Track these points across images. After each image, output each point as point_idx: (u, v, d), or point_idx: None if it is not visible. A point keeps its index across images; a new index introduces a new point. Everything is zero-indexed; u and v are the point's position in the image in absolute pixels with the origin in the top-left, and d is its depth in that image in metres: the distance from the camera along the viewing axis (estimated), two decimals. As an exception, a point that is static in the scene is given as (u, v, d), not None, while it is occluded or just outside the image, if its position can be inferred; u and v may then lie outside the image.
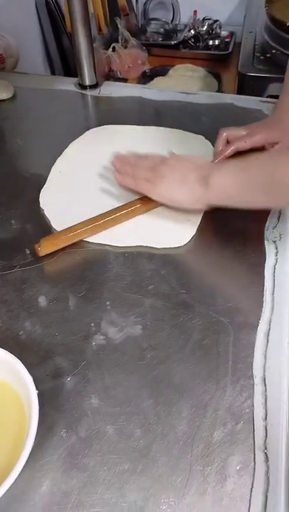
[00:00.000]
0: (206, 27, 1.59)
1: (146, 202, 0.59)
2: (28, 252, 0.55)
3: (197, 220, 0.58)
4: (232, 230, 0.58)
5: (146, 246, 0.56)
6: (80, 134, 0.76)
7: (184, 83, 1.38)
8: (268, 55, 1.13)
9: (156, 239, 0.56)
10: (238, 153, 0.63)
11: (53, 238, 0.56)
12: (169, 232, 0.57)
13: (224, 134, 0.65)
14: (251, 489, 0.36)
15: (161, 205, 0.59)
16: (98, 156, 0.70)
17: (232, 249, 0.56)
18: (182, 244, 0.56)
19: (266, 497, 0.36)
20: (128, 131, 0.76)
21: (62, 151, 0.72)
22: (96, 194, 0.64)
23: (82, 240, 0.56)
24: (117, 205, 0.61)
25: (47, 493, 0.36)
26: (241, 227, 0.58)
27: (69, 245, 0.56)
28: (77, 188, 0.65)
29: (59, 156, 0.71)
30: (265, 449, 0.38)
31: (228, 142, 0.65)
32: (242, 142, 0.63)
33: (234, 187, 0.52)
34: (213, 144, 0.71)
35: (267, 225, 0.58)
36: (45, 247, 0.54)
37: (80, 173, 0.67)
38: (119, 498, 0.36)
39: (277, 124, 0.65)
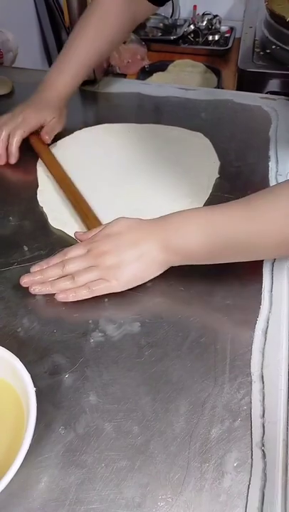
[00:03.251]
0: (205, 22, 1.58)
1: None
2: (25, 248, 0.55)
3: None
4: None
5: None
6: (78, 130, 0.75)
7: (184, 79, 1.37)
8: (268, 51, 1.13)
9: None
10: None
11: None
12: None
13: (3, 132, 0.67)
14: (248, 486, 0.36)
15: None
16: (90, 154, 0.70)
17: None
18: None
19: (263, 493, 0.36)
20: (124, 129, 0.76)
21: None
22: (93, 194, 0.63)
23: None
24: (116, 201, 0.61)
25: (45, 489, 0.36)
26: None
27: (67, 241, 0.56)
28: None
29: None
30: (263, 446, 0.38)
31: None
32: (21, 131, 0.66)
33: (201, 246, 0.47)
34: (211, 141, 0.71)
35: (265, 222, 0.58)
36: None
37: (73, 175, 0.66)
38: (117, 495, 0.36)
39: (44, 103, 0.68)
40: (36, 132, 0.69)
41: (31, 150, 0.71)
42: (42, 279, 0.49)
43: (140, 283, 0.49)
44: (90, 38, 0.69)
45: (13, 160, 0.67)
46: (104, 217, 0.59)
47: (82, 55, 0.69)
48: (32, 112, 0.68)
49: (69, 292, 0.48)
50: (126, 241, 0.48)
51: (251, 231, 0.44)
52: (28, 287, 0.50)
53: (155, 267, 0.49)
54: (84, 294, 0.48)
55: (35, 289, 0.49)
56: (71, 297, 0.48)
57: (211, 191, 0.62)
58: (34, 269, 0.50)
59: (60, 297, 0.48)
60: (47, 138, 0.69)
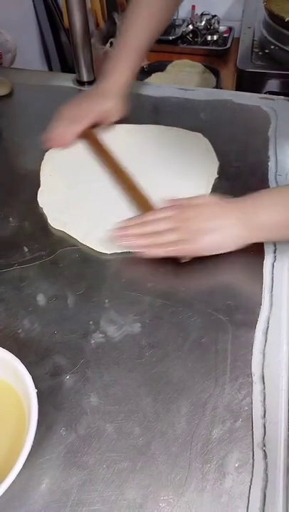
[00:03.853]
0: (204, 22, 1.58)
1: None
2: (26, 249, 0.55)
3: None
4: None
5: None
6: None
7: (182, 79, 1.38)
8: (267, 51, 1.13)
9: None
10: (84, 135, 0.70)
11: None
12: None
13: (58, 130, 0.69)
14: (250, 486, 0.36)
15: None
16: (90, 155, 0.70)
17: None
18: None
19: (265, 494, 0.36)
20: (123, 130, 0.76)
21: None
22: (94, 194, 0.63)
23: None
24: (116, 202, 0.61)
25: (46, 491, 0.36)
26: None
27: (68, 242, 0.56)
28: (72, 188, 0.64)
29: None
30: (264, 446, 0.38)
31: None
32: (80, 126, 0.69)
33: (283, 222, 0.50)
34: (211, 141, 0.71)
35: (265, 222, 0.58)
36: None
37: (73, 175, 0.67)
38: (118, 496, 0.36)
39: (105, 94, 0.71)
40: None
41: (33, 151, 0.71)
42: (126, 234, 0.53)
43: (215, 253, 0.52)
44: (141, 27, 0.72)
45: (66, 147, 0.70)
46: (104, 218, 0.59)
47: (135, 44, 0.72)
48: (93, 104, 0.71)
49: (150, 248, 0.51)
50: (209, 212, 0.52)
51: None
52: (28, 289, 0.49)
53: (233, 240, 0.52)
54: (163, 252, 0.51)
55: (121, 243, 0.53)
56: (152, 253, 0.52)
57: (210, 191, 0.62)
58: (122, 224, 0.54)
59: (142, 251, 0.52)
60: (107, 125, 0.72)
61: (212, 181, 0.64)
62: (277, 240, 0.54)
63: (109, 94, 0.71)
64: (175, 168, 0.67)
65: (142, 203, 0.59)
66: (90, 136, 0.71)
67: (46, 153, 0.70)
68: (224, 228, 0.51)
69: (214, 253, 0.52)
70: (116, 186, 0.63)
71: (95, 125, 0.71)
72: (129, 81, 0.73)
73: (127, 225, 0.54)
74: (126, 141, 0.72)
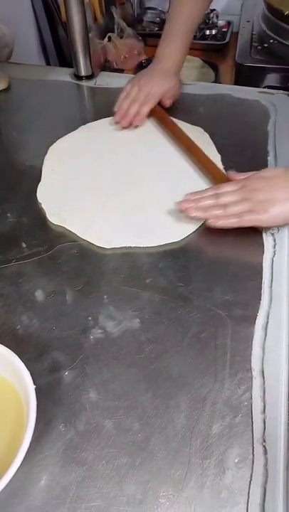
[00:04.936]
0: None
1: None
2: (24, 245, 0.55)
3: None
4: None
5: (143, 247, 0.55)
6: (76, 125, 0.75)
7: (181, 73, 1.37)
8: (266, 45, 1.12)
9: (152, 235, 0.56)
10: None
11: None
12: (167, 227, 0.57)
13: (124, 105, 0.74)
14: (250, 482, 0.36)
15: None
16: (92, 149, 0.70)
17: (230, 242, 0.55)
18: (180, 239, 0.55)
19: (265, 489, 0.36)
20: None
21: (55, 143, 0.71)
22: (93, 189, 0.63)
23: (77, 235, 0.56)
24: (116, 196, 0.60)
25: (46, 487, 0.36)
26: (239, 219, 0.58)
27: (66, 238, 0.55)
28: (72, 183, 0.64)
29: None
30: (264, 441, 0.38)
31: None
32: (150, 105, 0.74)
33: None
34: (210, 136, 0.71)
35: (265, 217, 0.57)
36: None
37: (74, 170, 0.66)
38: (118, 492, 0.36)
39: (165, 74, 0.76)
40: None
41: (31, 146, 0.70)
42: (197, 206, 0.55)
43: (284, 224, 0.54)
44: (186, 11, 0.76)
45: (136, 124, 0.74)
46: (103, 213, 0.59)
47: (183, 26, 0.77)
48: (156, 83, 0.75)
49: (220, 219, 0.53)
50: (279, 183, 0.53)
51: None
52: (26, 285, 0.49)
53: None
54: (233, 223, 0.53)
55: (191, 213, 0.54)
56: (220, 223, 0.53)
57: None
58: (190, 197, 0.56)
59: (210, 221, 0.53)
60: (168, 102, 0.77)
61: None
62: None
63: (170, 74, 0.77)
64: (176, 162, 0.66)
65: (214, 174, 0.62)
66: (157, 112, 0.75)
67: (50, 148, 0.70)
68: None
69: (282, 224, 0.54)
70: (184, 158, 0.67)
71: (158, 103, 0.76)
72: (182, 61, 0.78)
73: (196, 197, 0.56)
74: (126, 135, 0.72)
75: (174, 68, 0.77)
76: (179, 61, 0.78)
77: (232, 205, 0.53)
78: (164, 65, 0.77)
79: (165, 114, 0.75)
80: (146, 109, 0.74)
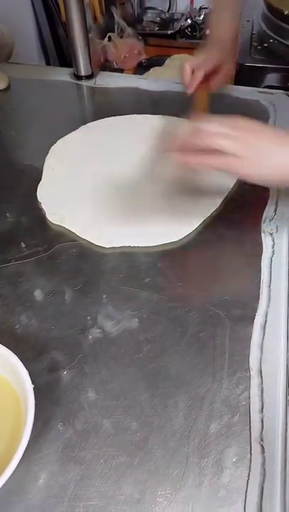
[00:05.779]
0: (202, 16, 1.57)
1: None
2: (23, 245, 0.55)
3: (199, 218, 0.58)
4: (229, 223, 0.58)
5: (142, 246, 0.55)
6: (75, 125, 0.75)
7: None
8: (266, 45, 1.12)
9: (152, 235, 0.56)
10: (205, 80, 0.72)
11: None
12: (166, 227, 0.57)
13: (188, 66, 0.71)
14: (247, 481, 0.36)
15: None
16: (92, 149, 0.70)
17: (229, 242, 0.55)
18: (179, 238, 0.55)
19: (262, 488, 0.36)
20: (126, 121, 0.75)
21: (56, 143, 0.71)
22: (93, 189, 0.63)
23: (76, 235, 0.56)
24: (116, 196, 0.61)
25: (44, 486, 0.36)
26: (238, 219, 0.58)
27: (65, 238, 0.56)
28: (72, 182, 0.64)
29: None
30: (262, 440, 0.38)
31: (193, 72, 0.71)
32: (204, 68, 0.71)
33: None
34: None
35: (264, 217, 0.58)
36: None
37: (74, 169, 0.66)
38: (116, 491, 0.36)
39: (217, 45, 0.73)
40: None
41: (31, 145, 0.70)
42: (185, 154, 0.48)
43: (266, 182, 0.50)
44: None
45: (190, 90, 0.72)
46: (103, 212, 0.59)
47: (229, 10, 0.76)
48: (213, 51, 0.73)
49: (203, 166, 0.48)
50: (263, 136, 0.48)
51: None
52: (25, 285, 0.49)
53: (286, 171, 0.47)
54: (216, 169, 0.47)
55: (179, 161, 0.48)
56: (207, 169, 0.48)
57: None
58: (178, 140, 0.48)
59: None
60: (216, 83, 0.74)
61: None
62: None
63: (224, 45, 0.74)
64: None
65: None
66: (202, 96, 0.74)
67: (51, 148, 0.70)
68: (279, 153, 0.47)
69: (266, 180, 0.49)
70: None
71: (214, 71, 0.73)
72: (234, 38, 0.77)
73: (187, 142, 0.48)
74: (127, 135, 0.72)
75: (228, 43, 0.75)
76: (232, 37, 0.75)
77: (226, 155, 0.46)
78: (220, 37, 0.74)
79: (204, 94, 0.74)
80: (205, 67, 0.71)
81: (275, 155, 0.47)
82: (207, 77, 0.72)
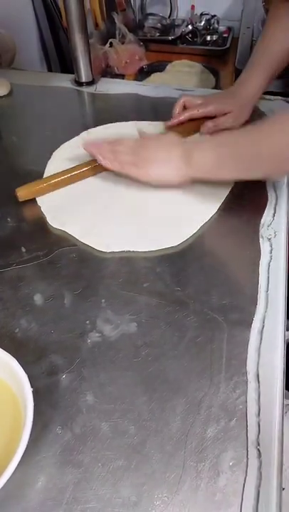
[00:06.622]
0: (203, 22, 1.58)
1: None
2: (24, 250, 0.56)
3: (198, 223, 0.58)
4: (227, 228, 0.58)
5: (142, 251, 0.55)
6: (76, 130, 0.75)
7: (182, 79, 1.37)
8: (265, 51, 1.13)
9: (151, 240, 0.56)
10: (191, 120, 0.73)
11: (29, 187, 0.62)
12: (166, 232, 0.57)
13: (182, 100, 0.74)
14: (244, 484, 0.37)
15: None
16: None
17: (227, 247, 0.56)
18: (178, 243, 0.56)
19: (258, 492, 0.36)
20: (126, 127, 0.76)
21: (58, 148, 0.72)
22: (93, 193, 0.64)
23: (77, 239, 0.57)
24: (116, 201, 0.61)
25: (42, 489, 0.36)
26: (236, 225, 0.58)
27: (65, 242, 0.56)
28: (72, 186, 0.65)
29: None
30: (258, 444, 0.39)
31: (184, 108, 0.74)
32: (195, 110, 0.72)
33: (214, 162, 0.57)
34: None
35: (262, 222, 0.58)
36: (23, 194, 0.62)
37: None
38: (113, 494, 0.36)
39: (230, 96, 0.73)
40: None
41: (31, 151, 0.71)
42: (94, 145, 0.63)
43: (160, 183, 0.61)
44: (277, 40, 0.72)
45: (168, 124, 0.75)
46: (103, 216, 0.59)
47: (270, 58, 0.73)
48: (214, 100, 0.74)
49: (109, 160, 0.61)
50: (161, 144, 0.61)
51: (252, 141, 0.55)
52: (25, 289, 0.50)
53: (177, 173, 0.59)
54: (115, 167, 0.61)
55: (87, 147, 0.63)
56: (109, 166, 0.62)
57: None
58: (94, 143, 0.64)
59: (99, 160, 0.62)
60: (210, 126, 0.72)
61: None
62: (214, 180, 0.60)
63: (239, 99, 0.73)
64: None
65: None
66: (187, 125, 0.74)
67: (54, 153, 0.71)
68: (173, 161, 0.58)
69: (159, 183, 0.61)
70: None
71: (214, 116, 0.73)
72: (260, 93, 0.74)
73: (101, 142, 0.63)
74: (136, 136, 0.73)
75: (243, 98, 0.73)
76: (255, 93, 0.73)
77: (121, 154, 0.60)
78: (235, 90, 0.73)
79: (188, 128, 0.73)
80: (187, 114, 0.73)
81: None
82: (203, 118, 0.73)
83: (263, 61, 0.73)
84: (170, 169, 0.59)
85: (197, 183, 0.64)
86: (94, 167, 0.65)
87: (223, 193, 0.62)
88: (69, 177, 0.64)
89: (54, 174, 0.64)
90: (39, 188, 0.63)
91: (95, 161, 0.64)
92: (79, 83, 0.89)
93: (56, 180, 0.63)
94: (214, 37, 1.56)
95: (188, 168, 0.58)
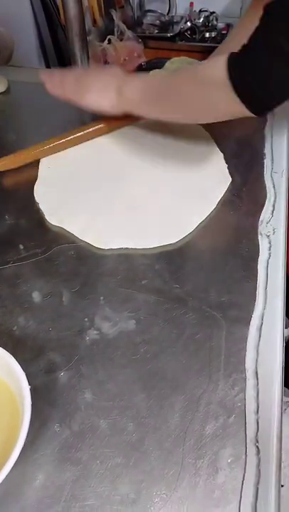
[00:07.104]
0: (202, 19, 1.58)
1: (108, 123, 0.71)
2: (21, 247, 0.55)
3: (196, 220, 0.58)
4: (226, 225, 0.58)
5: (140, 248, 0.55)
6: (73, 128, 0.75)
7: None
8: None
9: (149, 237, 0.56)
10: None
11: (13, 156, 0.66)
12: (164, 229, 0.57)
13: None
14: (242, 481, 0.37)
15: (124, 125, 0.72)
16: (91, 152, 0.70)
17: (225, 244, 0.56)
18: (176, 240, 0.56)
19: (257, 489, 0.36)
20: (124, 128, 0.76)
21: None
22: (91, 188, 0.64)
23: (75, 236, 0.56)
24: (114, 198, 0.61)
25: (40, 486, 0.36)
26: (235, 221, 0.58)
27: (63, 240, 0.56)
28: (70, 182, 0.65)
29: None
30: (257, 442, 0.39)
31: None
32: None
33: (140, 97, 0.61)
34: (211, 135, 0.71)
35: (260, 219, 0.58)
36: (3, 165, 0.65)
37: (70, 168, 0.67)
38: (111, 491, 0.36)
39: None
40: None
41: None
42: (48, 74, 0.69)
43: (95, 108, 0.66)
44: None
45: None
46: (102, 213, 0.59)
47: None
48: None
49: (55, 86, 0.68)
50: (100, 75, 0.67)
51: (174, 86, 0.58)
52: (23, 286, 0.50)
53: (110, 103, 0.64)
54: (59, 94, 0.67)
55: (41, 76, 0.69)
56: (54, 92, 0.68)
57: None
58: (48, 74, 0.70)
59: (49, 86, 0.68)
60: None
61: (226, 170, 0.65)
62: (145, 117, 0.66)
63: None
64: (175, 164, 0.67)
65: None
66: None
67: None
68: (104, 91, 0.64)
69: (94, 110, 0.66)
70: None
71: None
72: None
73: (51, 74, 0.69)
74: (124, 137, 0.73)
75: None
76: None
77: (66, 82, 0.67)
78: None
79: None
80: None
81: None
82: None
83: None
84: (103, 98, 0.64)
85: (195, 178, 0.64)
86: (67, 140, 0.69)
87: (222, 190, 0.62)
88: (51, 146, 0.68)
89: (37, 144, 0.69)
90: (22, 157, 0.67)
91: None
92: (77, 80, 0.89)
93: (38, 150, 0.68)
94: (213, 34, 1.56)
95: (120, 100, 0.62)
